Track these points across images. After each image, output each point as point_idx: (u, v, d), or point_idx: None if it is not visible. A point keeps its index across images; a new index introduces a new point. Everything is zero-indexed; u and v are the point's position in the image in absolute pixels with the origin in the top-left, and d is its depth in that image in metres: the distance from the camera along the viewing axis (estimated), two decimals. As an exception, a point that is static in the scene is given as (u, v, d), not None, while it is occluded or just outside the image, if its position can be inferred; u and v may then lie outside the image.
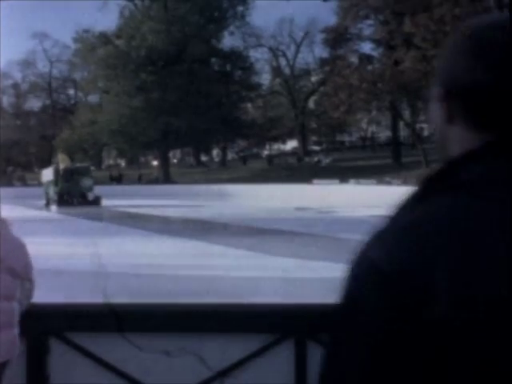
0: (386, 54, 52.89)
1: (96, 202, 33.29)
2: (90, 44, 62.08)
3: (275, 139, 76.39)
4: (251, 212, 27.32)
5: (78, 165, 39.70)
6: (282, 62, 69.30)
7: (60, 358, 3.43)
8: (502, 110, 0.96)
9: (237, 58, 64.01)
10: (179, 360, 3.24)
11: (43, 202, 35.50)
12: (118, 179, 51.19)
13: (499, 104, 0.96)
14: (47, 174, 37.99)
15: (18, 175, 60.44)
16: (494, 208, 0.94)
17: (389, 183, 42.04)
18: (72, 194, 33.71)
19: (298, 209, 28.77)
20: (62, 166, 36.15)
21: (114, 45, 59.43)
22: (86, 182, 34.55)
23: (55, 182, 35.51)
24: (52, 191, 35.54)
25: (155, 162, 64.78)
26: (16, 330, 3.18)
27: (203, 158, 73.49)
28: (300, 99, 67.14)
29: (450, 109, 1.00)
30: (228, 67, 65.18)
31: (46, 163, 63.79)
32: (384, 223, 0.99)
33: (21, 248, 3.27)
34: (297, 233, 19.13)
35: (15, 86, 75.26)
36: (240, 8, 62.73)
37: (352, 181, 40.60)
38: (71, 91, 79.32)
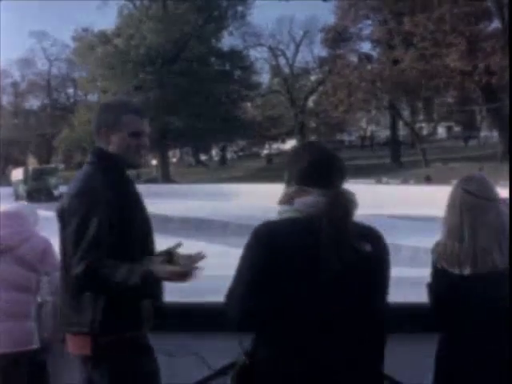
0: (385, 53, 52.88)
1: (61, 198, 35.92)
2: (89, 43, 62.00)
3: (274, 138, 76.36)
4: (250, 211, 27.30)
5: (46, 166, 44.07)
6: (282, 61, 69.26)
7: (59, 356, 3.43)
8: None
9: (236, 57, 63.92)
10: (179, 359, 3.25)
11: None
12: None
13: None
14: (16, 174, 41.69)
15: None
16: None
17: (388, 183, 42.05)
18: (40, 192, 36.74)
19: (298, 208, 28.74)
20: (31, 167, 40.93)
21: (113, 44, 59.34)
22: (53, 180, 38.10)
23: (25, 180, 39.20)
24: (21, 189, 38.92)
25: (154, 162, 64.81)
26: (32, 323, 3.18)
27: (202, 158, 73.48)
28: (299, 98, 67.05)
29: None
30: (227, 66, 65.10)
31: (44, 162, 63.78)
32: None
33: (38, 241, 3.28)
34: (296, 232, 19.10)
35: (14, 84, 75.10)
36: (239, 7, 62.66)
37: (351, 180, 40.55)
38: (70, 90, 79.18)
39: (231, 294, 2.25)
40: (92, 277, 2.41)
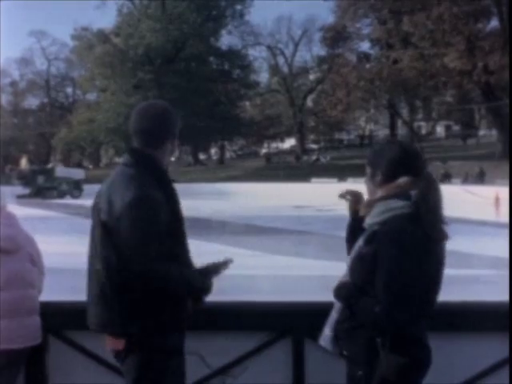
0: (384, 52, 52.89)
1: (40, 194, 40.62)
2: (88, 42, 61.95)
3: (273, 137, 76.33)
4: (249, 210, 27.33)
5: (36, 167, 47.26)
6: (280, 60, 69.31)
7: (59, 357, 3.43)
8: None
9: (235, 56, 63.90)
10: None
11: (41, 200, 38.40)
12: None
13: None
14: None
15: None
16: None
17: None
18: (28, 189, 40.87)
19: (297, 207, 28.77)
20: (22, 167, 44.87)
21: (112, 43, 59.32)
22: (40, 179, 41.59)
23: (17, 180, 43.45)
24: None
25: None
26: (38, 317, 3.29)
27: (201, 157, 73.43)
28: (298, 97, 67.06)
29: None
30: (226, 66, 65.09)
31: (44, 161, 63.74)
32: None
33: (32, 238, 3.42)
34: (295, 231, 19.15)
35: (13, 84, 75.03)
36: (238, 6, 62.64)
37: (350, 179, 40.61)
38: (69, 89, 79.21)
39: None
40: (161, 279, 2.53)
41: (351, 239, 2.62)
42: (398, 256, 2.30)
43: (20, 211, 3.58)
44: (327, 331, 2.58)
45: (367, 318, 2.36)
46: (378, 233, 2.38)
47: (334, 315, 2.57)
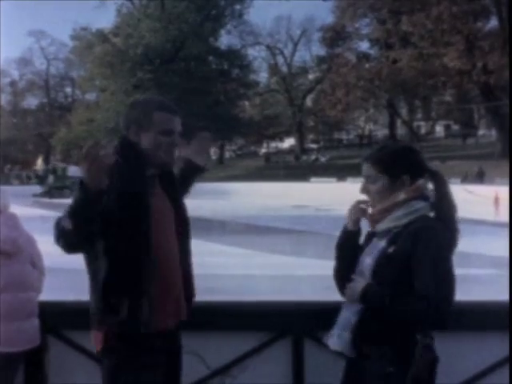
0: (384, 52, 52.93)
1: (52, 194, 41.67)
2: (88, 42, 61.90)
3: (273, 137, 76.34)
4: (249, 210, 27.33)
5: (46, 167, 49.77)
6: (280, 60, 69.36)
7: (58, 357, 3.43)
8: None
9: (234, 56, 63.89)
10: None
11: (41, 199, 38.95)
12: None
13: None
14: None
15: (15, 174, 60.31)
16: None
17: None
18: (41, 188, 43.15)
19: (296, 207, 28.79)
20: (37, 167, 48.40)
21: (112, 43, 59.30)
22: (50, 179, 43.69)
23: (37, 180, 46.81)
24: None
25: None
26: (37, 320, 3.30)
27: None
28: (297, 97, 67.06)
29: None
30: (225, 65, 65.06)
31: (43, 162, 63.71)
32: None
33: (33, 239, 3.44)
34: (294, 231, 19.16)
35: (12, 83, 75.02)
36: (237, 6, 62.64)
37: (349, 179, 40.60)
38: (68, 89, 79.18)
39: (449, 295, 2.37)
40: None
41: (343, 252, 2.63)
42: (442, 252, 2.37)
43: (19, 211, 3.57)
44: (345, 334, 2.48)
45: (408, 316, 2.36)
46: (404, 233, 2.40)
47: (350, 318, 2.48)
